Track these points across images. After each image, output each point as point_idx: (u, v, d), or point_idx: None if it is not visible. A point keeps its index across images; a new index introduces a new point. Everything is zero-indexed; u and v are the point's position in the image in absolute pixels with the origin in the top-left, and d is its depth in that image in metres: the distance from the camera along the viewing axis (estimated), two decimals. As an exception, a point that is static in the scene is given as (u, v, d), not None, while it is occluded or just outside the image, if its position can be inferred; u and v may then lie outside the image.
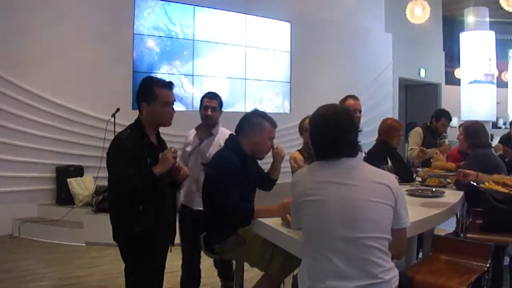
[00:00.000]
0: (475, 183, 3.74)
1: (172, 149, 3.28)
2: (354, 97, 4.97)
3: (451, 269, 3.34)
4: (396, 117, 12.70)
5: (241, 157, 3.55)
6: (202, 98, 4.52)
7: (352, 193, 2.44)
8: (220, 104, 4.51)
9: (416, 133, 6.33)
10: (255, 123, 3.63)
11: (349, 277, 2.36)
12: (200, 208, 3.90)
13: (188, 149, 4.55)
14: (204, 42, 9.32)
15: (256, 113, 3.73)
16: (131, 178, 3.09)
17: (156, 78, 3.44)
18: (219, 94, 4.57)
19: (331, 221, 2.41)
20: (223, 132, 4.43)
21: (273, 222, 3.15)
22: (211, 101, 4.46)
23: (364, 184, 2.47)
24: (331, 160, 2.56)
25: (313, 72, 10.55)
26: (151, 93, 3.23)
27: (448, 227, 6.21)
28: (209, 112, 4.42)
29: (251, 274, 3.82)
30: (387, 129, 5.20)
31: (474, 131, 4.74)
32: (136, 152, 3.15)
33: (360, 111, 4.92)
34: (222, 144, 4.00)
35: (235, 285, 3.78)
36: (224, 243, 3.50)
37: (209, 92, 4.58)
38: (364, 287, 2.35)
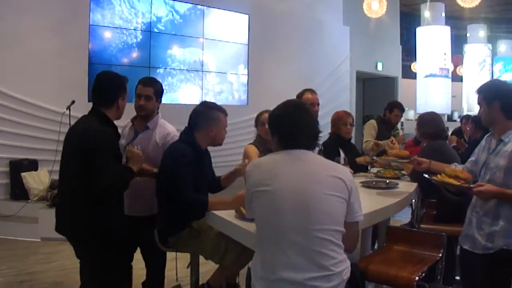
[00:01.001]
0: (427, 176, 3.78)
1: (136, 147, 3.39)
2: (311, 91, 4.99)
3: (404, 259, 3.38)
4: (353, 110, 12.88)
5: (195, 150, 3.52)
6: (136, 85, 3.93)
7: (305, 185, 2.44)
8: (157, 92, 3.92)
9: (371, 126, 6.33)
10: (210, 117, 3.60)
11: (301, 268, 2.36)
12: (137, 214, 3.78)
13: (122, 142, 3.88)
14: (162, 33, 9.23)
15: (207, 106, 3.70)
16: (122, 174, 3.12)
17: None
18: (158, 80, 4.04)
19: (284, 212, 2.41)
20: (163, 127, 3.97)
21: (227, 214, 3.13)
22: (144, 88, 3.86)
23: (318, 177, 2.48)
24: (287, 152, 2.57)
25: (271, 64, 10.56)
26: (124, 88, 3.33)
27: (404, 218, 6.31)
28: (142, 102, 3.84)
29: (208, 267, 3.79)
30: (334, 120, 5.28)
31: (430, 121, 4.81)
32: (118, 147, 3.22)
33: (318, 104, 4.94)
34: (159, 141, 3.86)
35: (191, 278, 3.75)
36: (178, 236, 3.47)
37: (143, 78, 4.02)
38: (315, 279, 2.36)
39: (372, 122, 6.40)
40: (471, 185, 3.21)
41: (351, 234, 2.59)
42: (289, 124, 2.61)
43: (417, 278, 3.05)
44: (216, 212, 3.22)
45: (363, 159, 5.03)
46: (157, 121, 3.95)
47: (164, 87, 4.08)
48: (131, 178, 3.21)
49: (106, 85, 3.34)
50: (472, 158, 3.67)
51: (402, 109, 6.69)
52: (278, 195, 2.43)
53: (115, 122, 3.35)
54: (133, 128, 3.99)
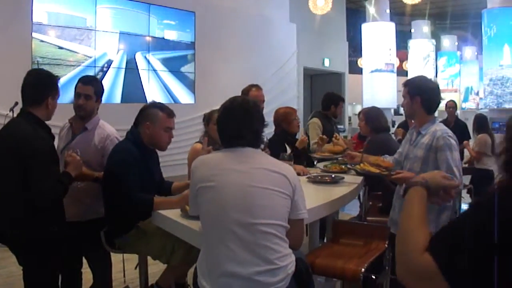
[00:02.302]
0: (351, 165, 3.95)
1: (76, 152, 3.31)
2: (257, 87, 5.01)
3: (350, 251, 3.43)
4: (301, 106, 12.98)
5: (140, 149, 3.49)
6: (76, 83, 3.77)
7: (249, 180, 2.47)
8: (98, 91, 3.77)
9: (315, 125, 6.23)
10: (148, 113, 3.55)
11: (245, 262, 2.38)
12: (78, 220, 3.63)
13: (60, 144, 3.79)
14: (106, 32, 9.07)
15: (152, 104, 3.66)
16: (61, 180, 3.05)
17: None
18: (98, 79, 3.92)
19: (228, 207, 2.43)
20: (102, 128, 3.82)
21: (173, 214, 3.12)
22: (84, 87, 3.71)
23: (262, 172, 2.52)
24: (232, 150, 2.61)
25: (218, 62, 10.52)
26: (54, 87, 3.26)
27: (353, 211, 6.41)
28: (81, 101, 3.68)
29: (157, 268, 3.77)
30: (283, 117, 5.29)
31: (374, 116, 4.94)
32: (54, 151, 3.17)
33: (263, 101, 4.95)
34: (98, 144, 3.74)
35: (140, 280, 3.72)
36: (125, 237, 3.43)
37: (83, 77, 3.88)
38: (260, 273, 2.38)
39: (315, 120, 6.30)
40: (391, 173, 3.49)
41: (295, 231, 2.62)
42: (233, 123, 2.64)
43: (363, 269, 3.10)
44: (162, 212, 3.20)
45: (300, 168, 4.82)
46: (96, 122, 3.81)
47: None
48: (70, 184, 3.13)
49: (35, 83, 3.24)
50: (399, 150, 3.95)
51: (344, 100, 6.76)
52: (223, 190, 2.46)
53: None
54: (71, 130, 3.83)
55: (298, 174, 3.79)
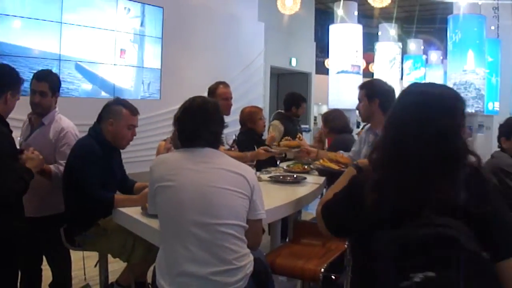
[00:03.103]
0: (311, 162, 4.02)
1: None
2: (225, 84, 5.01)
3: (310, 251, 3.46)
4: (267, 105, 13.02)
5: (102, 146, 3.46)
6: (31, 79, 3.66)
7: (207, 181, 2.48)
8: (53, 86, 3.67)
9: (275, 128, 6.19)
10: (111, 110, 3.52)
11: (203, 262, 2.39)
12: (35, 215, 3.57)
13: (19, 139, 3.72)
14: (72, 25, 8.93)
15: (115, 101, 3.63)
16: (22, 176, 2.96)
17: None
18: (54, 73, 3.78)
19: (186, 207, 2.43)
20: (58, 122, 3.72)
21: (134, 212, 3.10)
22: (39, 83, 3.60)
23: (220, 173, 2.53)
24: (191, 150, 2.61)
25: (185, 59, 10.46)
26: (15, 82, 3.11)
27: (316, 211, 6.43)
28: (36, 99, 3.60)
29: (118, 266, 3.74)
30: (248, 116, 5.30)
31: (333, 118, 5.00)
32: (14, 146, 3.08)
33: (231, 98, 4.96)
34: (52, 138, 3.66)
35: (100, 278, 3.69)
36: (85, 234, 3.40)
37: (37, 72, 3.73)
38: (219, 273, 2.39)
39: (276, 123, 6.28)
40: None
41: (254, 231, 2.64)
42: (192, 123, 2.66)
43: (322, 269, 3.13)
44: (123, 210, 3.18)
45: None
46: (53, 116, 3.71)
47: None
48: (31, 179, 3.05)
49: None
50: (354, 148, 4.04)
51: (306, 100, 6.76)
52: (181, 190, 2.47)
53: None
54: (30, 125, 3.78)
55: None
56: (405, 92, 1.92)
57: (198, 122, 2.64)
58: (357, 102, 3.86)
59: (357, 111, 3.93)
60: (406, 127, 1.78)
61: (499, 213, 1.68)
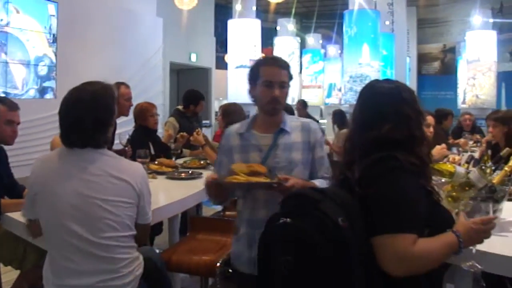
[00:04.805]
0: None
1: None
2: (126, 85, 4.92)
3: (207, 246, 3.47)
4: (167, 101, 12.90)
5: None
6: None
7: (90, 191, 2.33)
8: None
9: (170, 125, 6.14)
10: None
11: (88, 274, 2.32)
12: None
13: None
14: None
15: None
16: None
17: None
18: None
19: (67, 218, 2.31)
20: None
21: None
22: None
23: (104, 181, 2.37)
24: (73, 152, 2.42)
25: (81, 55, 10.14)
26: None
27: (219, 206, 6.43)
28: None
29: (14, 275, 3.57)
30: (139, 113, 5.22)
31: (231, 111, 5.01)
32: None
33: (131, 98, 4.89)
34: None
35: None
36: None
37: None
38: (105, 281, 2.33)
39: (171, 120, 6.25)
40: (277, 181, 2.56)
41: (141, 234, 2.59)
42: (71, 118, 2.44)
43: (218, 264, 3.14)
44: (11, 215, 3.01)
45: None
46: None
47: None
48: None
49: None
50: None
51: (204, 98, 6.71)
52: (62, 199, 2.32)
53: None
54: None
55: None
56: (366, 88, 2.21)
57: (78, 117, 2.41)
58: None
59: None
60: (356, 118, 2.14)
61: (381, 196, 1.88)
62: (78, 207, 2.31)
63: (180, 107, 6.52)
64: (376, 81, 2.24)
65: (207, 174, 3.49)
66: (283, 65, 2.64)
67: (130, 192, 2.42)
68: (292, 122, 2.70)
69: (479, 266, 2.14)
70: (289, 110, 6.83)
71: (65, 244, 2.31)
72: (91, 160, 2.41)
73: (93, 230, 2.31)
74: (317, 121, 9.33)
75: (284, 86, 2.60)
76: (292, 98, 13.80)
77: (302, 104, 11.29)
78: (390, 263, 1.81)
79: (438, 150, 4.27)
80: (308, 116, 9.88)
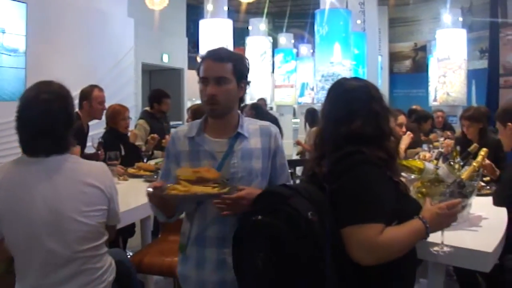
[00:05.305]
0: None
1: None
2: (99, 87, 4.88)
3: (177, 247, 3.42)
4: (139, 103, 12.77)
5: None
6: None
7: (61, 203, 2.22)
8: None
9: (141, 128, 6.08)
10: None
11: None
12: None
13: None
14: None
15: None
16: None
17: None
18: None
19: (40, 234, 2.20)
20: None
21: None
22: None
23: (73, 191, 2.26)
24: (36, 159, 2.28)
25: (52, 57, 10.00)
26: None
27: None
28: None
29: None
30: (111, 116, 5.15)
31: (200, 112, 4.97)
32: None
33: (104, 102, 4.85)
34: None
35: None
36: None
37: None
38: None
39: (141, 122, 6.18)
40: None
41: (111, 233, 2.54)
42: (32, 122, 2.28)
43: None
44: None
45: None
46: None
47: None
48: None
49: None
50: None
51: (168, 96, 6.66)
52: (32, 220, 2.20)
53: None
54: None
55: None
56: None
57: (38, 122, 2.25)
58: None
59: None
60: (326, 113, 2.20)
61: (347, 189, 1.94)
62: (52, 223, 2.20)
63: (147, 108, 6.51)
64: (345, 79, 2.29)
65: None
66: (222, 57, 2.25)
67: (101, 198, 2.34)
68: (250, 125, 2.37)
69: (448, 248, 2.23)
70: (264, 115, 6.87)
71: (43, 264, 2.23)
72: (56, 169, 2.27)
73: (71, 246, 2.23)
74: (276, 119, 9.11)
75: (222, 82, 2.22)
76: (264, 98, 13.79)
77: (253, 108, 9.33)
78: (358, 253, 1.87)
79: (405, 138, 4.30)
80: (267, 114, 9.58)
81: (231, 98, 2.27)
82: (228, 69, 2.23)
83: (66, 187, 2.25)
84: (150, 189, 2.09)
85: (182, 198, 2.12)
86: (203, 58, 2.30)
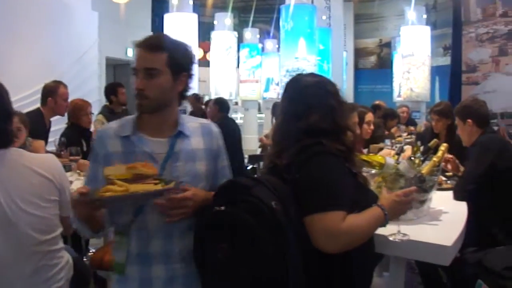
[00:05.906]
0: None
1: None
2: (64, 84, 4.81)
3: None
4: (103, 97, 12.51)
5: None
6: None
7: (9, 199, 2.12)
8: None
9: (99, 123, 5.95)
10: None
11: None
12: None
13: None
14: None
15: None
16: None
17: None
18: None
19: None
20: None
21: None
22: None
23: (19, 182, 2.18)
24: None
25: (12, 51, 9.79)
26: None
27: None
28: None
29: None
30: (73, 111, 5.06)
31: None
32: None
33: (67, 99, 4.78)
34: None
35: None
36: None
37: None
38: None
39: (99, 118, 6.12)
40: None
41: (66, 225, 2.42)
42: None
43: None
44: None
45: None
46: None
47: None
48: None
49: None
50: None
51: (123, 86, 6.66)
52: None
53: None
54: None
55: None
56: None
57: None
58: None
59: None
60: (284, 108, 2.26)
61: (308, 178, 2.00)
62: (4, 221, 2.11)
63: (107, 103, 6.43)
64: (301, 75, 2.35)
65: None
66: (154, 47, 2.03)
67: (52, 189, 2.28)
68: (190, 123, 2.19)
69: (405, 235, 2.29)
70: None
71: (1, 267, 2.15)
72: (4, 162, 2.18)
73: (23, 243, 2.17)
74: (226, 113, 7.83)
75: (153, 74, 2.00)
76: (229, 93, 13.76)
77: (217, 103, 7.95)
78: (321, 240, 1.92)
79: (365, 128, 4.31)
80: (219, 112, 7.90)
81: (163, 92, 2.04)
82: (161, 59, 2.01)
83: (10, 178, 2.15)
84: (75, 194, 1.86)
85: (121, 200, 1.84)
86: (135, 46, 2.07)
